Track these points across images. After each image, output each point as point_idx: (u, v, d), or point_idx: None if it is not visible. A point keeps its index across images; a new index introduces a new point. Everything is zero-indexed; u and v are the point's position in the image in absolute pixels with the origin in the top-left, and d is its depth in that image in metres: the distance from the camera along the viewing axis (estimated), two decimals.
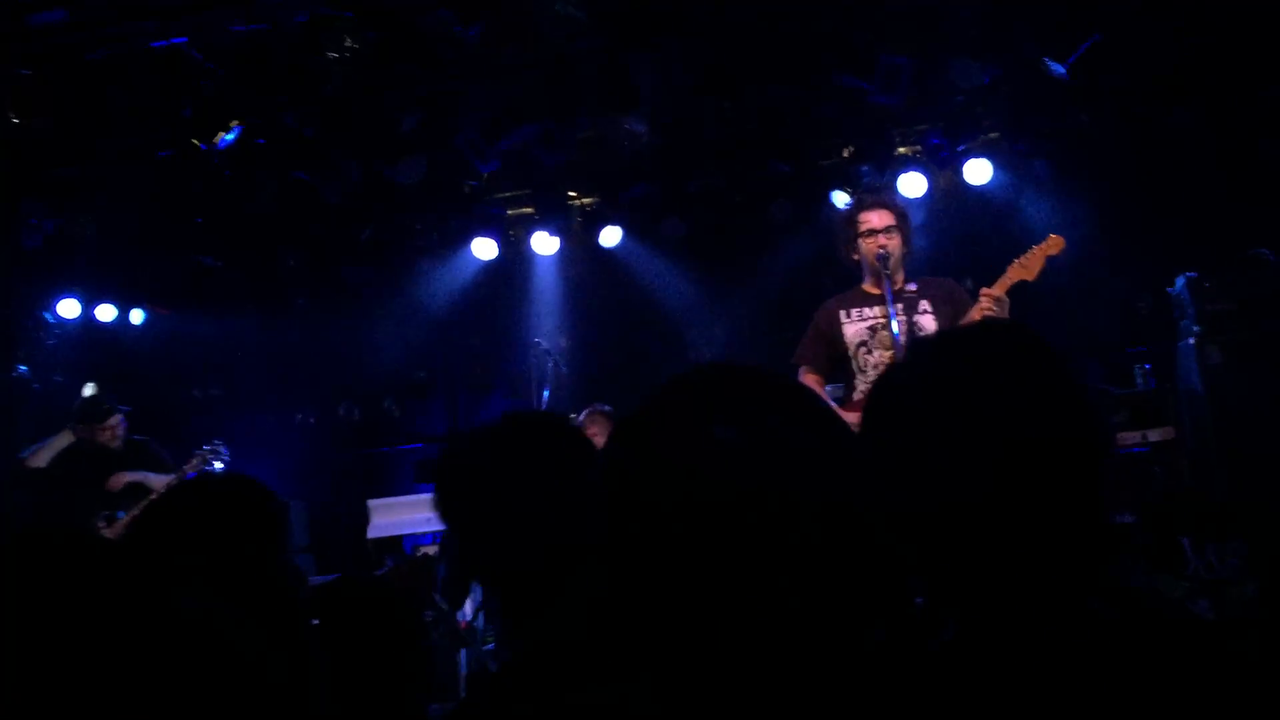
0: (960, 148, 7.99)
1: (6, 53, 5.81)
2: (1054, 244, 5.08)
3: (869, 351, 5.16)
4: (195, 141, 6.55)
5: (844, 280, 5.64)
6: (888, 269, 5.07)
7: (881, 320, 5.11)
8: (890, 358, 5.04)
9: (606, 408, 7.02)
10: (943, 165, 8.11)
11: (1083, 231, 7.83)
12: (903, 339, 5.00)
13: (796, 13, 6.15)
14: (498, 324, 9.28)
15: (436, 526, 6.03)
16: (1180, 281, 7.08)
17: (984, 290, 4.91)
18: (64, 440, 6.53)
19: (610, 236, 8.66)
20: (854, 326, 5.21)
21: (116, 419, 6.50)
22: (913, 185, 8.06)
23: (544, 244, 8.70)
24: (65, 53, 5.94)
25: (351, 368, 9.42)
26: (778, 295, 8.87)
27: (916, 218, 8.26)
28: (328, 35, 6.04)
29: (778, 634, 1.11)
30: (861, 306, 5.22)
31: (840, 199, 8.19)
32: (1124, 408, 7.04)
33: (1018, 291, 4.98)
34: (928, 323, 5.10)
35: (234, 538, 2.06)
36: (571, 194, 8.84)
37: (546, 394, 7.86)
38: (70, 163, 7.19)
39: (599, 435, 6.85)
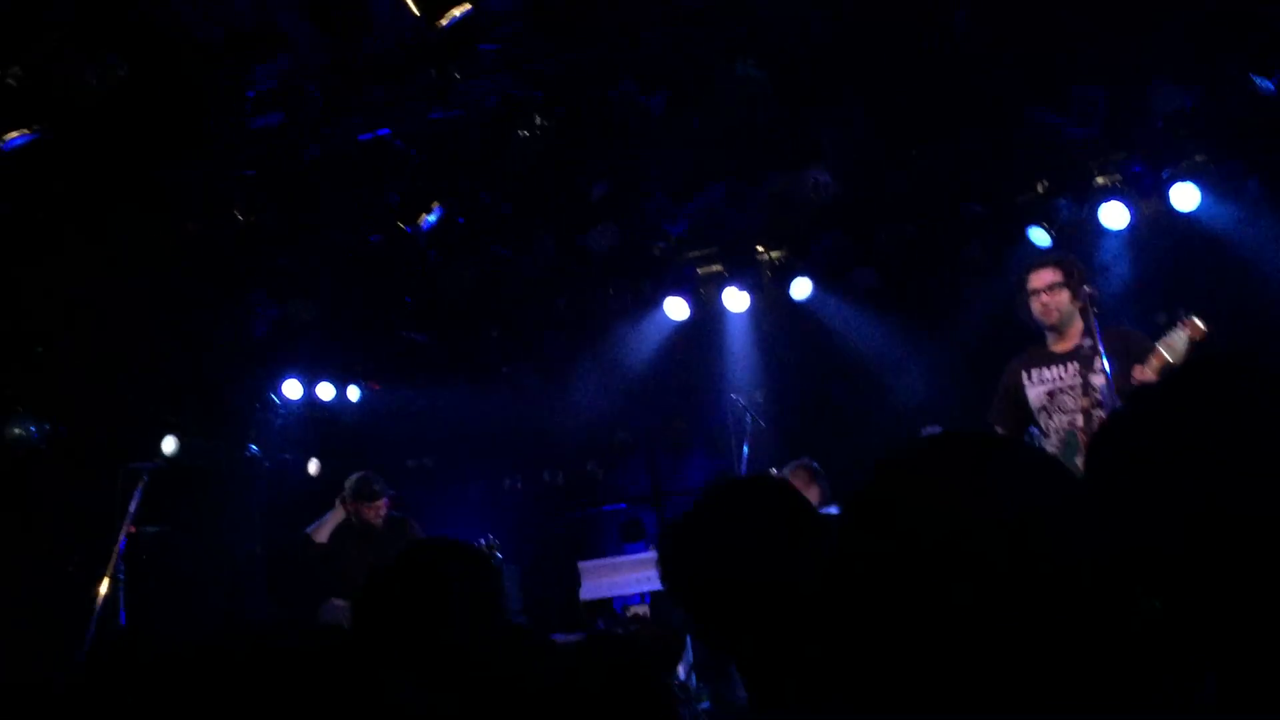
0: (1164, 174, 7.65)
1: (232, 156, 6.29)
2: (1195, 330, 4.84)
3: (1049, 416, 5.11)
4: (401, 225, 6.92)
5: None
6: (1055, 327, 5.06)
7: (1058, 383, 5.04)
8: (1069, 423, 4.98)
9: (812, 464, 6.96)
10: (1146, 194, 7.78)
11: None
12: (1082, 400, 4.93)
13: (979, 50, 6.05)
14: (694, 382, 9.36)
15: (646, 587, 6.11)
16: None
17: (1136, 370, 4.76)
18: (338, 516, 6.99)
19: (801, 289, 8.64)
20: (1035, 390, 5.21)
21: (383, 501, 6.91)
22: (1114, 216, 7.76)
23: (735, 300, 8.74)
24: (283, 152, 6.39)
25: (555, 433, 9.66)
26: (976, 340, 8.64)
27: (1121, 250, 8.03)
28: (518, 115, 6.30)
29: (1024, 692, 1.11)
30: (1042, 367, 5.22)
31: (1038, 236, 7.95)
32: None
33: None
34: (1101, 381, 4.96)
35: (457, 601, 2.13)
36: (760, 249, 8.88)
37: (746, 449, 7.86)
38: (290, 253, 7.69)
39: (803, 490, 6.82)
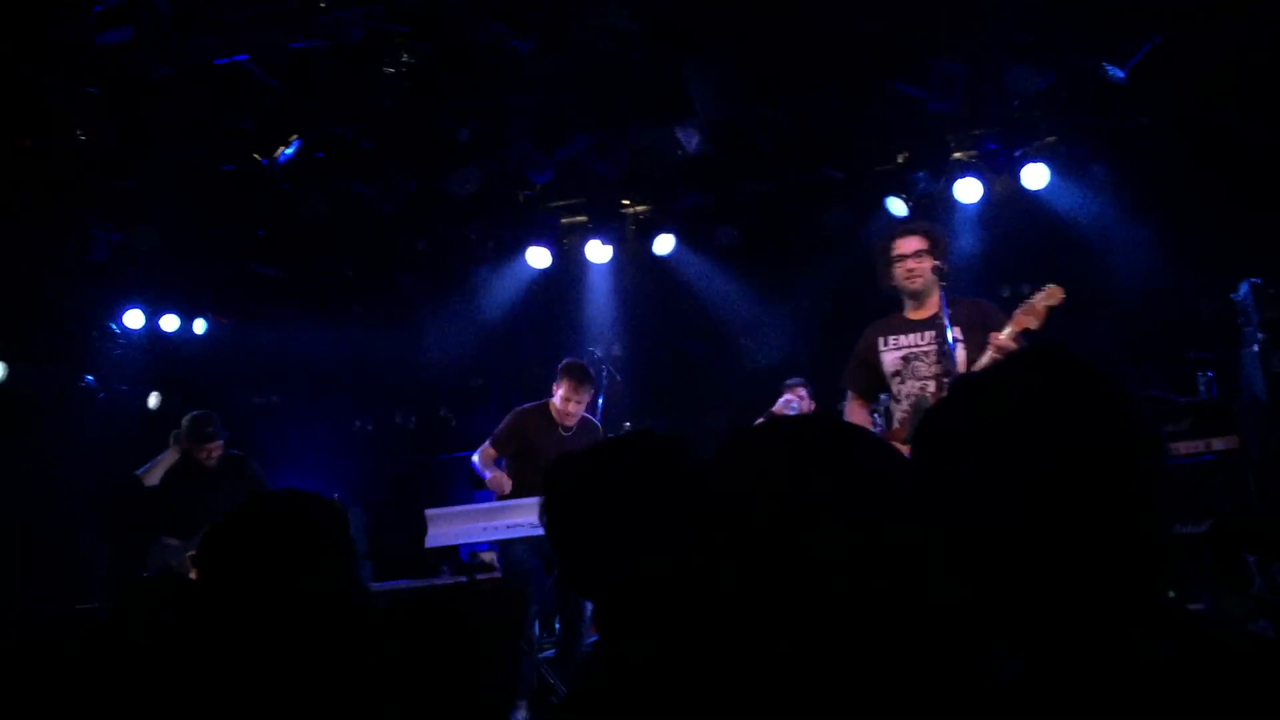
0: (1017, 153, 7.92)
1: (75, 71, 5.95)
2: (1054, 294, 5.06)
3: (903, 380, 5.20)
4: (256, 156, 6.67)
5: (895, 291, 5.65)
6: (916, 292, 5.15)
7: (914, 349, 5.15)
8: (920, 388, 5.10)
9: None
10: (999, 170, 8.05)
11: (1144, 235, 7.75)
12: (933, 368, 5.05)
13: (850, 20, 6.12)
14: (552, 332, 9.33)
15: (492, 536, 6.08)
16: (1244, 287, 6.96)
17: (993, 336, 4.93)
18: (171, 457, 6.74)
19: (663, 244, 8.69)
20: (890, 355, 5.25)
21: (219, 443, 6.68)
22: (969, 191, 8.02)
23: (598, 252, 8.74)
24: (131, 70, 6.06)
25: (408, 376, 9.54)
26: (832, 303, 8.85)
27: (972, 224, 8.29)
28: (384, 51, 6.12)
29: (847, 659, 1.15)
30: (898, 334, 5.26)
31: (895, 206, 8.16)
32: (1186, 416, 6.92)
33: (1029, 336, 4.98)
34: (957, 350, 5.10)
35: (306, 556, 2.08)
36: (625, 202, 8.88)
37: (601, 402, 7.91)
38: (134, 177, 7.34)
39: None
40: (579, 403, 6.56)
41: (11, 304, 7.67)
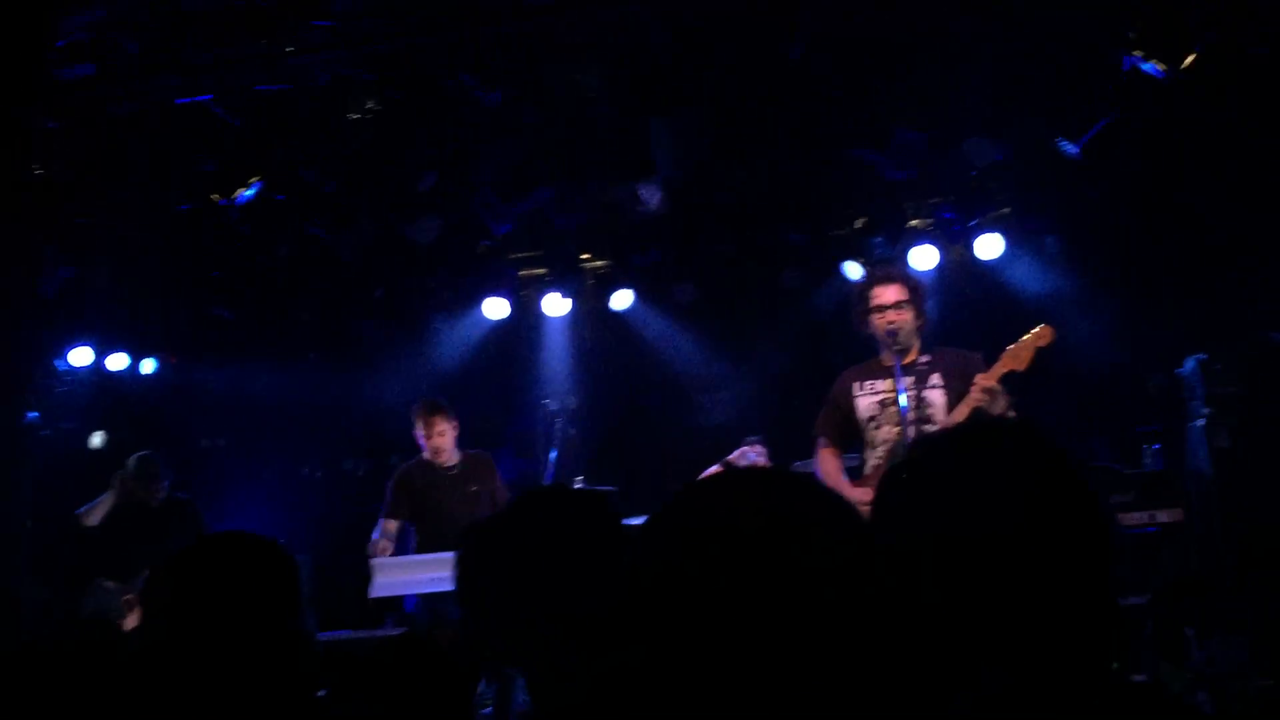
0: (972, 222, 8.04)
1: (35, 105, 5.90)
2: (1043, 335, 5.12)
3: (878, 427, 5.16)
4: (215, 196, 6.64)
5: (853, 353, 5.67)
6: (898, 343, 5.09)
7: (890, 395, 5.11)
8: (897, 434, 5.05)
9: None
10: (954, 239, 8.16)
11: (1094, 308, 7.88)
12: (910, 414, 5.00)
13: (812, 85, 6.23)
14: (507, 384, 9.29)
15: (438, 587, 6.00)
16: (1190, 363, 7.09)
17: (977, 378, 4.94)
18: (112, 499, 6.62)
19: (621, 300, 8.71)
20: (865, 400, 5.22)
21: (164, 484, 6.58)
22: (924, 258, 8.11)
23: (555, 305, 8.74)
24: (91, 106, 6.04)
25: (360, 423, 9.43)
26: (787, 363, 8.89)
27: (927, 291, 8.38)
28: (350, 96, 6.14)
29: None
30: (874, 379, 5.23)
31: (852, 270, 8.24)
32: (1132, 487, 6.99)
33: (1012, 378, 5.01)
34: (936, 397, 5.10)
35: (253, 601, 2.03)
36: (584, 256, 8.91)
37: (554, 455, 7.85)
38: (90, 213, 7.27)
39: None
40: (441, 434, 6.55)
41: None
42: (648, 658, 1.23)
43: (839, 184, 7.71)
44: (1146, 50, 5.91)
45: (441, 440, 6.56)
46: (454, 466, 6.62)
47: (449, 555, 5.56)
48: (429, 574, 6.09)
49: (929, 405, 5.07)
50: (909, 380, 5.08)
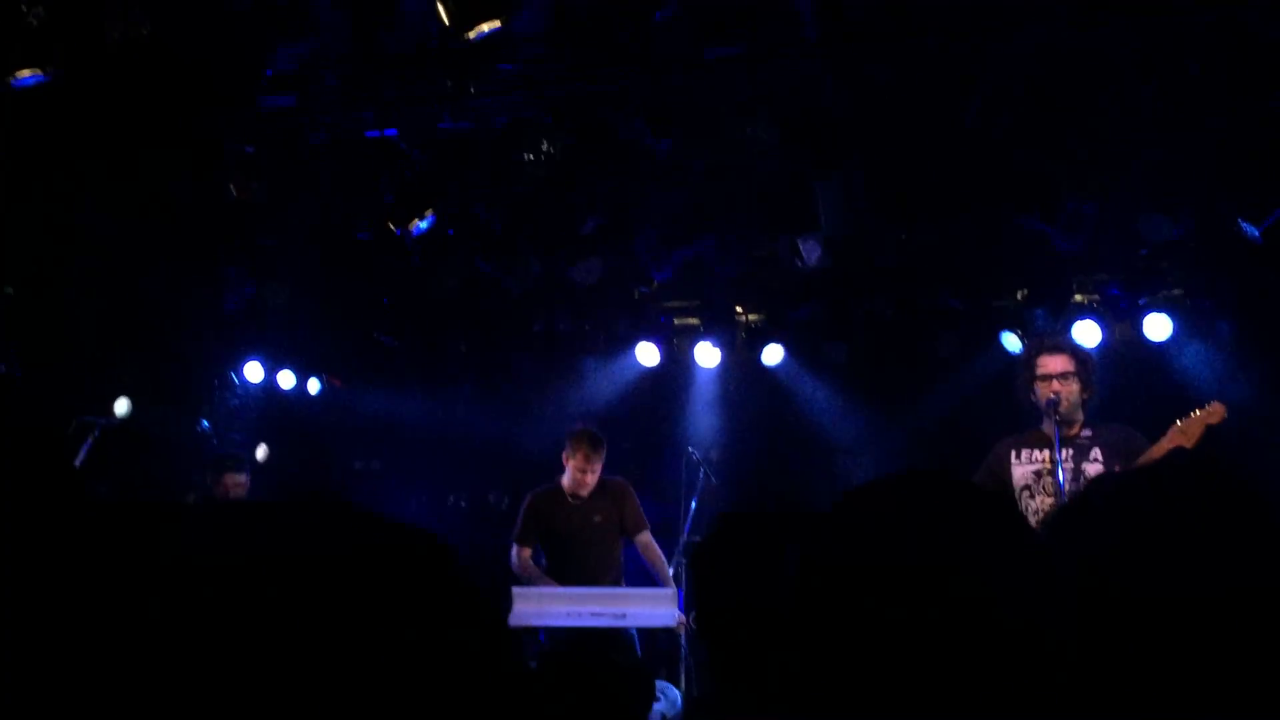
0: (1141, 301, 7.81)
1: (237, 130, 6.30)
2: (1215, 412, 4.94)
3: (1032, 496, 5.07)
4: (392, 225, 6.93)
5: (1005, 424, 5.57)
6: (1060, 414, 4.99)
7: (1047, 465, 5.02)
8: (1052, 504, 4.93)
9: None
10: (1120, 317, 7.94)
11: (1266, 397, 7.54)
12: (1067, 486, 4.89)
13: (984, 149, 6.18)
14: (653, 429, 9.36)
15: (574, 622, 6.06)
16: None
17: (1147, 454, 4.80)
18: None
19: (773, 355, 8.71)
20: (1021, 469, 5.15)
21: (242, 479, 6.63)
22: (1087, 334, 7.89)
23: (707, 355, 8.80)
24: (289, 135, 6.40)
25: (508, 457, 9.62)
26: (936, 431, 8.73)
27: None
28: (526, 137, 6.36)
29: None
30: (1032, 449, 5.16)
31: (1010, 341, 8.08)
32: None
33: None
34: (1095, 471, 4.99)
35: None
36: (738, 309, 8.96)
37: (694, 504, 7.87)
38: (274, 234, 7.66)
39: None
40: (595, 471, 6.65)
41: (144, 344, 8.00)
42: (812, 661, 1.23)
43: (1004, 252, 7.59)
44: None
45: (592, 478, 6.65)
46: (582, 497, 6.71)
47: (587, 591, 5.65)
48: (566, 607, 6.16)
49: (1087, 479, 4.94)
50: (1068, 452, 4.99)
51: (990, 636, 1.16)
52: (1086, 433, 5.06)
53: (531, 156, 6.48)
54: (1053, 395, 5.02)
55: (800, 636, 1.24)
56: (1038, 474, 5.07)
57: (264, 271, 8.15)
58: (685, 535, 7.85)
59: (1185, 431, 4.89)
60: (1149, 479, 1.45)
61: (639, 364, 8.92)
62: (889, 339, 8.69)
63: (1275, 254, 6.90)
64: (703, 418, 9.35)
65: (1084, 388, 5.09)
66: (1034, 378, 5.13)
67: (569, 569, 6.61)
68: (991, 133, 5.81)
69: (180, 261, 7.60)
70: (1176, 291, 7.83)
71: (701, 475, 8.01)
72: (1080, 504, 1.48)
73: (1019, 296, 8.22)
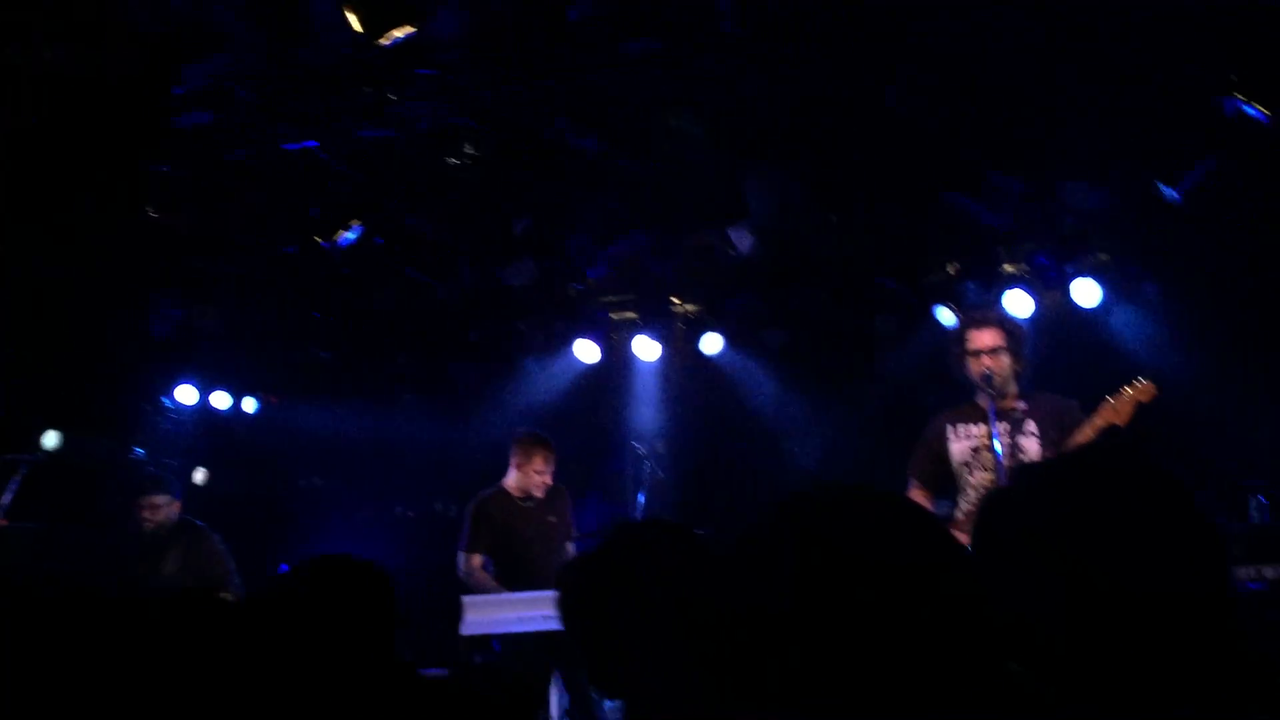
0: (1069, 268, 7.92)
1: (151, 151, 6.15)
2: (1146, 390, 5.00)
3: (971, 471, 5.08)
4: (318, 239, 6.83)
5: (946, 398, 5.60)
6: (993, 388, 5.01)
7: (984, 440, 5.03)
8: (991, 480, 4.96)
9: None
10: (1050, 285, 8.04)
11: (1196, 357, 7.69)
12: (1005, 460, 4.91)
13: (908, 130, 6.22)
14: (597, 426, 9.34)
15: (525, 627, 6.01)
16: None
17: (1077, 434, 4.86)
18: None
19: (712, 344, 8.72)
20: (959, 444, 5.15)
21: (161, 500, 6.42)
22: (1019, 304, 8.00)
23: (646, 349, 8.79)
24: (205, 153, 6.27)
25: (451, 464, 9.55)
26: (878, 410, 8.81)
27: None
28: (450, 142, 6.29)
29: None
30: (968, 424, 5.15)
31: (945, 316, 8.16)
32: (1238, 542, 6.78)
33: (1111, 432, 4.91)
34: (1031, 444, 5.01)
35: (354, 621, 2.07)
36: (675, 300, 8.96)
37: (642, 498, 7.86)
38: (201, 255, 7.52)
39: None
40: (549, 472, 6.60)
41: (70, 373, 7.81)
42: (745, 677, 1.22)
43: (933, 230, 7.66)
44: (1248, 93, 5.81)
45: (547, 480, 6.60)
46: (532, 500, 6.66)
47: (539, 594, 5.58)
48: (518, 613, 6.11)
49: (1023, 452, 4.98)
50: (1004, 426, 4.99)
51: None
52: (1021, 405, 5.07)
53: (456, 161, 6.42)
54: (984, 370, 5.02)
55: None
56: (975, 449, 5.08)
57: (192, 293, 8.00)
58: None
59: (1117, 409, 4.94)
60: (1076, 468, 1.45)
61: (578, 362, 8.88)
62: (826, 322, 8.74)
63: (1196, 215, 7.03)
64: (646, 411, 9.34)
65: (1015, 360, 5.09)
66: (965, 353, 5.13)
67: (523, 573, 6.54)
68: (914, 114, 5.85)
69: (103, 288, 7.42)
70: (1103, 257, 7.95)
71: (648, 469, 8.01)
72: (1010, 491, 1.47)
73: (950, 271, 8.30)
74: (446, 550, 9.67)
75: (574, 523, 6.91)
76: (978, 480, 5.05)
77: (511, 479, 6.69)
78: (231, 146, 6.28)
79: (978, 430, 5.10)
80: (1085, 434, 4.85)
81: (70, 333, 7.33)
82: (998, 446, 4.92)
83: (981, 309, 5.63)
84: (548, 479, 6.61)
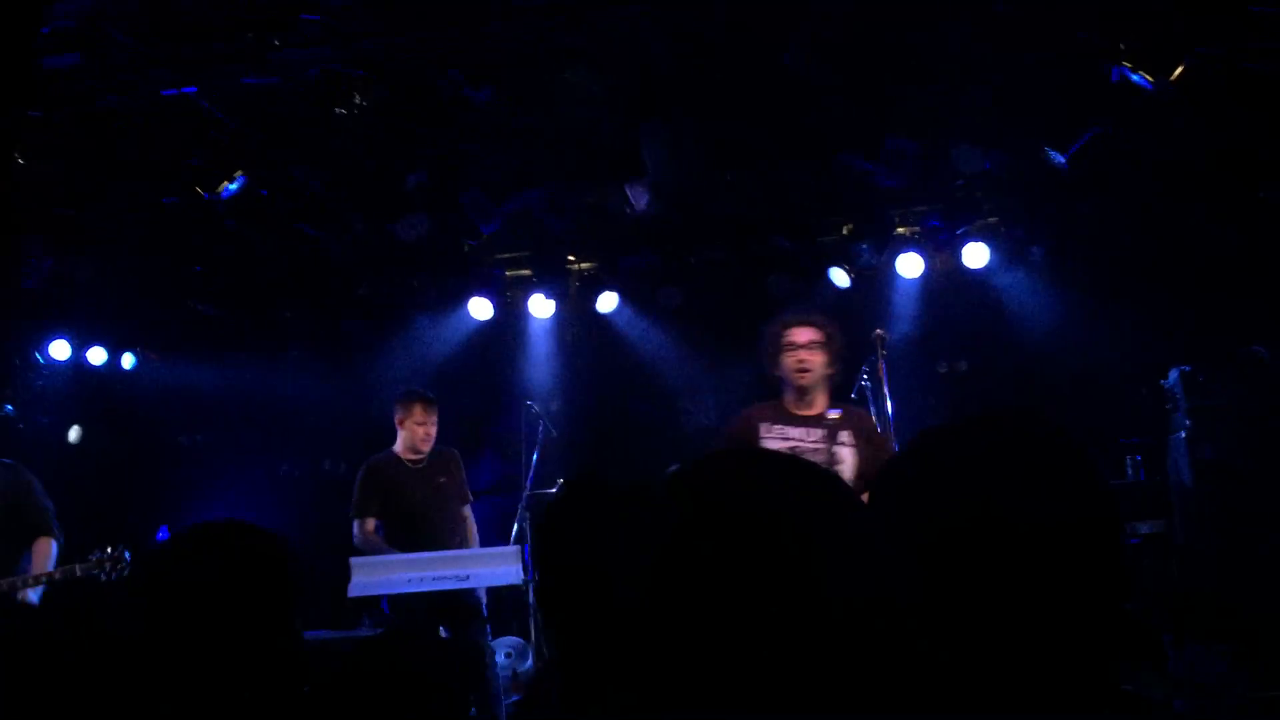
0: (959, 231, 8.06)
1: (19, 94, 5.82)
2: None
3: None
4: (200, 190, 6.57)
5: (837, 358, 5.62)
6: (804, 385, 4.97)
7: (802, 444, 4.93)
8: None
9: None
10: (940, 247, 8.18)
11: (1078, 319, 7.91)
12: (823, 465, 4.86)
13: (805, 92, 6.22)
14: (490, 384, 9.25)
15: (416, 587, 5.94)
16: (1174, 374, 7.11)
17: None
18: None
19: (607, 302, 8.68)
20: (775, 444, 4.95)
21: None
22: (910, 266, 8.13)
23: (540, 307, 8.72)
24: (77, 97, 5.96)
25: (340, 422, 9.37)
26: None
27: (912, 299, 8.40)
28: (338, 91, 6.09)
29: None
30: (784, 425, 5.02)
31: (839, 277, 8.26)
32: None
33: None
34: (847, 455, 4.95)
35: (243, 590, 1.97)
36: (570, 258, 8.88)
37: (535, 456, 7.84)
38: (73, 205, 7.19)
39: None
40: (432, 423, 6.57)
41: None
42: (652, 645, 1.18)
43: (828, 191, 7.71)
44: (1135, 61, 5.93)
45: (432, 430, 6.53)
46: (421, 460, 6.59)
47: (427, 555, 5.50)
48: (407, 574, 6.03)
49: (840, 462, 4.91)
50: (821, 433, 4.93)
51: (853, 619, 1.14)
52: (834, 412, 5.00)
53: (345, 111, 6.22)
54: (799, 364, 4.96)
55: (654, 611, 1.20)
56: (792, 451, 5.01)
57: (65, 244, 7.65)
58: (528, 489, 7.81)
59: None
60: (976, 431, 1.46)
61: (472, 319, 8.76)
62: (722, 281, 8.75)
63: (1080, 180, 7.20)
64: (540, 370, 9.28)
65: (829, 362, 5.01)
66: (781, 348, 5.04)
67: (415, 535, 6.46)
68: (811, 75, 5.83)
69: None
70: (992, 220, 8.11)
71: (541, 428, 7.98)
72: (909, 454, 1.47)
73: (844, 232, 8.39)
74: (334, 509, 9.53)
75: (466, 483, 6.84)
76: None
77: (399, 441, 6.62)
78: (104, 91, 5.98)
79: (795, 433, 4.99)
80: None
81: None
82: (819, 451, 4.84)
83: (803, 310, 5.48)
84: (430, 429, 6.55)
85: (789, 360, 5.00)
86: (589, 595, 1.78)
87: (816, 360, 4.97)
